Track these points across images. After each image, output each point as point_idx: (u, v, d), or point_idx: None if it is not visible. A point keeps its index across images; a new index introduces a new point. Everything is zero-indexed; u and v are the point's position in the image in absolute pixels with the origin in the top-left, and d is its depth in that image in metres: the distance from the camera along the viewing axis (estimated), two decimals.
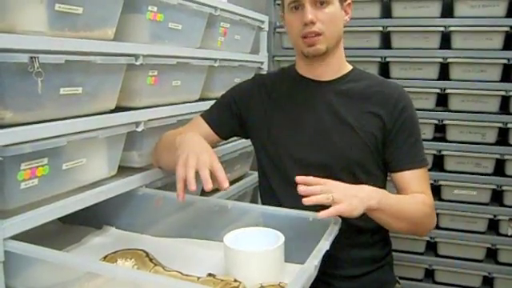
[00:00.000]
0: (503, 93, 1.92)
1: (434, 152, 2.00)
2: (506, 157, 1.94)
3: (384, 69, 2.07)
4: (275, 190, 1.29)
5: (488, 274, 2.02)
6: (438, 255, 2.09)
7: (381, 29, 2.05)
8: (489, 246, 2.00)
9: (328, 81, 1.28)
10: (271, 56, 2.19)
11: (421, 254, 2.11)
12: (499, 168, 1.97)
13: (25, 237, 0.93)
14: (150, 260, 1.01)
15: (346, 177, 1.17)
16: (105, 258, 1.03)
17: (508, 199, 1.96)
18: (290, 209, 1.13)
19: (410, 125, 1.23)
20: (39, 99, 0.94)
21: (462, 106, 1.99)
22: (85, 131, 1.05)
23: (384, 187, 1.27)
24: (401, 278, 1.42)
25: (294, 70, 1.34)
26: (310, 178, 1.03)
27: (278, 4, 2.12)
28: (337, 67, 1.28)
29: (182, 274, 0.96)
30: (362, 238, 1.26)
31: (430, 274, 2.13)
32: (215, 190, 1.53)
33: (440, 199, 2.03)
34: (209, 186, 0.96)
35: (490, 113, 1.95)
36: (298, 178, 1.03)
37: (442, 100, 2.03)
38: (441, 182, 2.01)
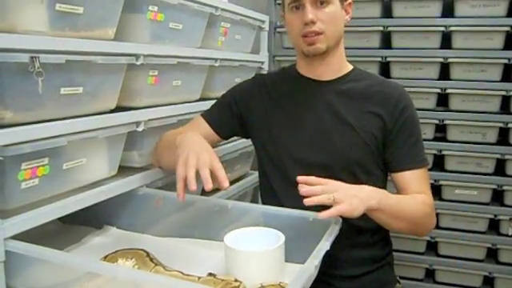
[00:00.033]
0: (504, 93, 1.92)
1: (435, 152, 2.00)
2: (507, 157, 1.94)
3: (384, 69, 2.07)
4: (275, 189, 1.29)
5: (488, 274, 2.02)
6: (438, 255, 2.09)
7: (381, 28, 2.05)
8: (489, 245, 2.00)
9: (328, 80, 1.28)
10: (272, 56, 2.19)
11: (421, 253, 2.11)
12: (500, 168, 1.97)
13: (25, 237, 0.93)
14: (151, 260, 1.01)
15: (346, 177, 1.17)
16: (105, 257, 1.03)
17: (508, 199, 1.96)
18: (290, 209, 1.13)
19: (410, 125, 1.23)
20: (40, 99, 0.94)
21: (463, 106, 1.99)
22: (85, 131, 1.05)
23: (384, 187, 1.27)
24: (401, 277, 1.42)
25: (294, 69, 1.34)
26: (312, 178, 1.03)
27: (279, 4, 2.12)
28: (337, 67, 1.28)
29: (182, 273, 0.96)
30: (363, 237, 1.26)
31: (430, 274, 2.13)
32: (215, 190, 1.53)
33: (441, 199, 2.03)
34: (209, 185, 0.96)
35: (491, 113, 1.95)
36: (300, 178, 1.03)
37: (443, 100, 2.03)
38: (441, 182, 2.02)
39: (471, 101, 1.98)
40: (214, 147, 1.16)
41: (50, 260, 0.89)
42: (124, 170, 1.26)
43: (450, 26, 1.96)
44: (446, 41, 1.99)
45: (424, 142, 1.27)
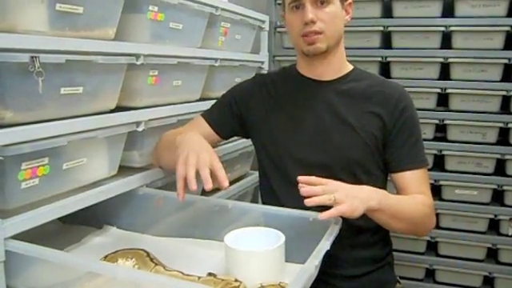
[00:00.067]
0: (504, 93, 1.92)
1: (435, 152, 2.00)
2: (507, 157, 1.94)
3: (385, 69, 2.07)
4: (276, 189, 1.29)
5: (489, 274, 2.02)
6: (438, 255, 2.09)
7: (381, 28, 2.05)
8: (489, 245, 2.00)
9: (329, 80, 1.28)
10: (272, 56, 2.19)
11: (421, 253, 2.11)
12: (500, 168, 1.97)
13: (25, 236, 0.93)
14: (151, 260, 1.01)
15: (346, 177, 1.17)
16: (105, 257, 1.03)
17: (509, 199, 1.96)
18: (290, 208, 1.13)
19: (410, 125, 1.23)
20: (40, 99, 0.94)
21: (463, 106, 1.99)
22: (85, 131, 1.05)
23: (384, 187, 1.27)
24: (401, 277, 1.42)
25: (294, 69, 1.34)
26: (312, 178, 1.03)
27: (279, 4, 2.12)
28: (337, 67, 1.28)
29: (182, 273, 0.96)
30: (363, 237, 1.26)
31: (430, 274, 2.13)
32: (216, 190, 1.53)
33: (441, 199, 2.03)
34: (209, 185, 0.96)
35: (491, 113, 1.95)
36: (300, 178, 1.03)
37: (443, 100, 2.03)
38: (441, 182, 2.02)
39: (471, 101, 1.98)
40: (214, 147, 1.16)
41: (50, 260, 0.89)
42: (124, 169, 1.26)
43: (450, 25, 1.96)
44: (446, 41, 1.99)
45: (424, 142, 1.27)
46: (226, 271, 0.97)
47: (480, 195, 1.99)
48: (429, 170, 1.28)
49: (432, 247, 2.10)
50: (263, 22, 1.99)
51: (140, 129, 1.22)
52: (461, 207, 2.01)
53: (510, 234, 1.97)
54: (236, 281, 0.91)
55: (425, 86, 2.01)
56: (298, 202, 1.03)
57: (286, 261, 1.00)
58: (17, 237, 0.92)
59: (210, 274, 0.94)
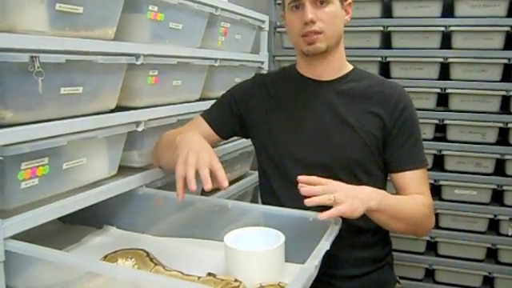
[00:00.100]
0: (504, 93, 1.92)
1: (435, 152, 2.00)
2: (507, 157, 1.94)
3: (384, 69, 2.07)
4: (275, 189, 1.29)
5: (488, 274, 2.02)
6: (438, 255, 2.09)
7: (381, 28, 2.05)
8: (489, 245, 2.00)
9: (329, 80, 1.28)
10: (272, 56, 2.19)
11: (421, 253, 2.11)
12: (499, 168, 1.97)
13: (25, 236, 0.93)
14: (151, 260, 1.01)
15: (346, 177, 1.17)
16: (105, 257, 1.03)
17: (508, 199, 1.96)
18: (290, 208, 1.13)
19: (410, 125, 1.23)
20: (40, 99, 0.94)
21: (463, 106, 1.99)
22: (85, 131, 1.05)
23: (384, 187, 1.27)
24: (401, 277, 1.42)
25: (294, 69, 1.34)
26: (312, 178, 1.03)
27: (279, 4, 2.12)
28: (337, 67, 1.28)
29: (182, 273, 0.96)
30: (363, 238, 1.26)
31: (430, 274, 2.13)
32: (215, 190, 1.53)
33: (440, 199, 2.03)
34: (208, 185, 0.96)
35: (491, 113, 1.95)
36: (300, 178, 1.03)
37: (443, 100, 2.03)
38: (441, 182, 2.02)
39: (471, 101, 1.98)
40: (213, 147, 1.16)
41: (50, 260, 0.89)
42: (124, 169, 1.26)
43: (449, 26, 1.96)
44: (446, 41, 1.99)
45: (424, 142, 1.28)
46: (226, 271, 0.97)
47: (480, 195, 1.99)
48: (428, 169, 1.28)
49: (432, 247, 2.10)
50: (263, 21, 1.99)
51: (140, 129, 1.22)
52: (460, 207, 2.01)
53: (509, 234, 1.97)
54: (236, 281, 0.91)
55: (424, 85, 2.01)
56: (297, 202, 1.03)
57: (286, 261, 1.01)
58: (17, 237, 0.92)
59: (209, 274, 0.94)
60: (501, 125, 1.93)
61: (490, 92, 1.94)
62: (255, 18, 1.89)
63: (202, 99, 1.54)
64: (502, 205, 1.98)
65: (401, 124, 1.22)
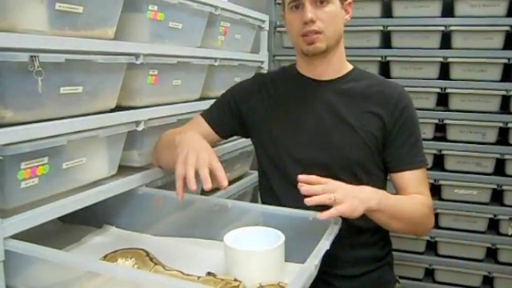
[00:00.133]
0: (503, 92, 1.92)
1: (435, 152, 2.00)
2: (507, 156, 1.94)
3: (384, 68, 2.07)
4: (275, 189, 1.29)
5: (488, 274, 2.02)
6: (438, 255, 2.09)
7: (381, 28, 2.05)
8: (489, 245, 2.00)
9: (328, 80, 1.28)
10: (271, 55, 2.19)
11: (421, 253, 2.11)
12: (499, 168, 1.97)
13: (25, 236, 0.93)
14: (151, 259, 1.01)
15: (346, 177, 1.17)
16: (105, 257, 1.03)
17: (508, 199, 1.96)
18: (290, 208, 1.13)
19: (410, 125, 1.23)
20: (39, 98, 0.94)
21: (463, 106, 1.99)
22: (85, 130, 1.05)
23: (384, 187, 1.27)
24: (401, 277, 1.42)
25: (294, 69, 1.34)
26: (312, 177, 1.03)
27: (279, 3, 2.12)
28: (337, 66, 1.28)
29: (182, 273, 0.96)
30: (362, 237, 1.26)
31: (430, 274, 2.13)
32: (215, 190, 1.53)
33: (440, 199, 2.03)
34: (208, 185, 0.96)
35: (491, 112, 1.95)
36: (300, 177, 1.03)
37: (443, 99, 2.03)
38: (441, 182, 2.02)
39: (471, 100, 1.98)
40: (213, 147, 1.16)
41: (50, 259, 0.89)
42: (124, 169, 1.26)
43: (449, 25, 1.96)
44: (446, 40, 1.99)
45: (424, 142, 1.28)
46: (226, 271, 0.97)
47: (479, 195, 1.99)
48: (428, 169, 1.28)
49: (431, 247, 2.10)
50: (263, 21, 1.99)
51: (140, 128, 1.22)
52: (460, 207, 2.01)
53: (509, 233, 1.97)
54: (235, 280, 0.91)
55: (424, 85, 2.01)
56: (297, 201, 1.03)
57: (286, 260, 1.01)
58: (16, 236, 0.92)
59: (209, 274, 0.94)
60: (501, 124, 1.93)
61: (490, 92, 1.94)
62: (255, 18, 1.89)
63: (201, 99, 1.54)
64: (502, 205, 1.98)
65: (401, 124, 1.22)
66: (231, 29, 1.69)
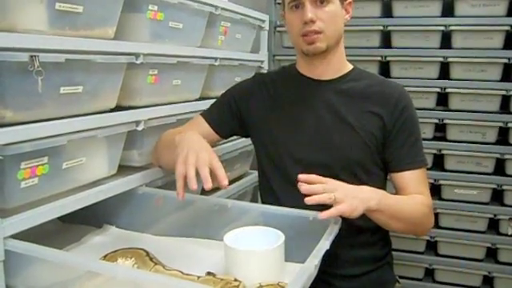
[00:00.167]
0: (504, 92, 1.92)
1: (435, 151, 2.00)
2: (507, 156, 1.94)
3: (384, 68, 2.07)
4: (275, 189, 1.29)
5: (488, 274, 2.02)
6: (438, 254, 2.09)
7: (381, 28, 2.05)
8: (489, 245, 2.00)
9: (328, 80, 1.28)
10: (272, 55, 2.19)
11: (421, 253, 2.11)
12: (499, 167, 1.97)
13: (25, 236, 0.93)
14: (151, 259, 1.01)
15: (346, 176, 1.17)
16: (105, 257, 1.03)
17: (508, 199, 1.96)
18: (290, 208, 1.13)
19: (410, 124, 1.23)
20: (39, 98, 0.94)
21: (463, 106, 1.99)
22: (85, 130, 1.05)
23: (384, 187, 1.27)
24: (401, 277, 1.42)
25: (294, 69, 1.34)
26: (312, 176, 1.03)
27: (279, 3, 2.12)
28: (337, 66, 1.28)
29: (182, 273, 0.96)
30: (362, 237, 1.26)
31: (430, 274, 2.13)
32: (215, 189, 1.53)
33: (440, 199, 2.03)
34: (208, 184, 0.96)
35: (491, 112, 1.95)
36: (300, 176, 1.03)
37: (443, 99, 2.03)
38: (441, 182, 2.01)
39: (471, 100, 1.98)
40: (213, 146, 1.16)
41: (50, 259, 0.89)
42: (124, 169, 1.26)
43: (449, 25, 1.96)
44: (446, 40, 1.99)
45: (424, 142, 1.28)
46: (226, 271, 0.97)
47: (479, 195, 1.99)
48: (428, 169, 1.28)
49: (431, 247, 2.10)
50: (263, 21, 1.99)
51: (140, 128, 1.22)
52: (460, 207, 2.01)
53: (509, 233, 1.97)
54: (235, 280, 0.91)
55: (424, 85, 2.01)
56: (297, 201, 1.03)
57: (286, 260, 1.00)
58: (16, 236, 0.92)
59: (209, 274, 0.94)
60: (501, 124, 1.93)
61: (490, 91, 1.94)
62: (255, 18, 1.89)
63: (201, 98, 1.54)
64: (502, 204, 1.98)
65: (401, 124, 1.22)
66: (231, 28, 1.69)
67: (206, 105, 1.42)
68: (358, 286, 1.26)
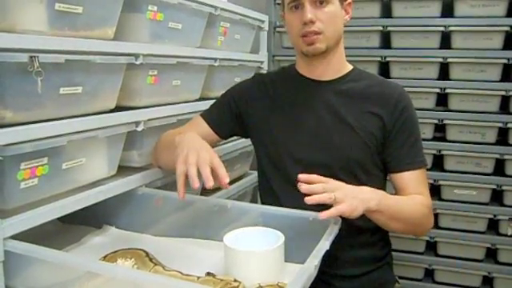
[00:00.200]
0: (503, 92, 1.92)
1: (434, 152, 2.00)
2: (506, 157, 1.94)
3: (384, 68, 2.07)
4: (275, 189, 1.29)
5: (488, 274, 2.02)
6: (437, 255, 2.09)
7: (381, 28, 2.05)
8: (489, 245, 2.00)
9: (328, 80, 1.28)
10: (271, 55, 2.19)
11: (421, 253, 2.11)
12: (499, 168, 1.97)
13: (25, 236, 0.93)
14: (150, 260, 1.01)
15: (346, 177, 1.17)
16: (105, 257, 1.03)
17: (508, 199, 1.96)
18: (289, 208, 1.13)
19: (409, 125, 1.23)
20: (39, 99, 0.94)
21: (462, 106, 1.99)
22: (85, 131, 1.05)
23: (384, 187, 1.27)
24: (401, 277, 1.42)
25: (294, 69, 1.34)
26: (313, 176, 1.03)
27: (278, 3, 2.12)
28: (337, 67, 1.28)
29: (181, 273, 0.96)
30: (362, 237, 1.26)
31: (429, 274, 2.13)
32: (215, 190, 1.53)
33: (440, 199, 2.03)
34: (210, 183, 0.95)
35: (490, 112, 1.95)
36: (301, 176, 1.02)
37: (442, 100, 2.03)
38: (441, 182, 2.01)
39: (470, 101, 1.98)
40: (213, 147, 1.15)
41: (50, 260, 0.89)
42: (123, 169, 1.26)
43: (449, 25, 1.96)
44: (446, 41, 1.99)
45: (423, 142, 1.28)
46: (225, 271, 0.97)
47: (479, 195, 1.99)
48: (428, 169, 1.28)
49: (431, 247, 2.10)
50: (262, 21, 1.99)
51: (139, 128, 1.22)
52: (460, 207, 2.01)
53: (509, 233, 1.97)
54: (235, 281, 0.91)
55: (424, 85, 2.01)
56: (297, 201, 1.03)
57: (286, 260, 1.01)
58: (16, 237, 0.92)
59: (208, 274, 0.94)
60: (500, 125, 1.93)
61: (490, 92, 1.94)
62: (255, 18, 1.89)
63: (201, 99, 1.54)
64: (502, 205, 1.98)
65: (400, 124, 1.22)
66: (231, 29, 1.69)
67: (205, 105, 1.42)
68: (358, 287, 1.26)
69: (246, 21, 1.81)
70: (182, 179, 1.00)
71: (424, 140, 1.30)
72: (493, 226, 2.02)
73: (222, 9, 1.57)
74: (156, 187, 1.35)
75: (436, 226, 2.01)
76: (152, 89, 1.30)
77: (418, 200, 1.19)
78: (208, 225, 1.19)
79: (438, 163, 2.04)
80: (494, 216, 1.97)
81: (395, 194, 1.24)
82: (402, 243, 2.03)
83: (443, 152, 2.00)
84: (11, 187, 0.91)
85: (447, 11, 1.98)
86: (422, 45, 2.01)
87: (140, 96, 1.27)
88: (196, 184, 0.96)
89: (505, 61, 1.90)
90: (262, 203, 1.34)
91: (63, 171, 1.03)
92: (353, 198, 1.01)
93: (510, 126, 1.92)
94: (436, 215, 1.98)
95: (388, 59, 2.05)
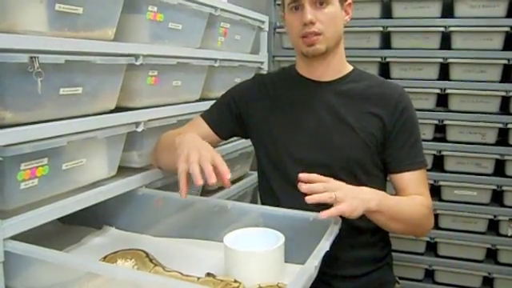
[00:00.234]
0: (503, 93, 1.92)
1: (434, 152, 2.01)
2: (506, 157, 1.94)
3: (384, 69, 2.07)
4: (275, 190, 1.29)
5: (488, 275, 2.02)
6: (438, 255, 2.09)
7: (381, 29, 2.05)
8: (489, 246, 2.00)
9: (328, 81, 1.28)
10: (271, 56, 2.19)
11: (421, 254, 2.11)
12: (499, 168, 1.97)
13: (25, 237, 0.93)
14: (150, 260, 1.01)
15: (346, 177, 1.17)
16: (105, 258, 1.03)
17: (508, 199, 1.96)
18: (289, 209, 1.13)
19: (410, 125, 1.23)
20: (39, 99, 0.94)
21: (462, 107, 1.99)
22: (85, 131, 1.05)
23: (384, 188, 1.27)
24: (401, 278, 1.42)
25: (294, 70, 1.34)
26: (313, 176, 1.03)
27: (279, 4, 2.12)
28: (337, 67, 1.28)
29: (181, 274, 0.96)
30: (362, 238, 1.26)
31: (429, 275, 2.13)
32: (215, 190, 1.53)
33: (440, 199, 2.03)
34: (213, 180, 0.95)
35: (490, 113, 1.96)
36: (301, 176, 1.02)
37: (442, 100, 2.03)
38: (441, 183, 2.02)
39: (471, 101, 1.98)
40: (213, 148, 1.15)
41: (50, 260, 0.89)
42: (123, 170, 1.26)
43: (449, 26, 1.96)
44: (446, 41, 1.99)
45: (423, 143, 1.28)
46: (226, 272, 0.97)
47: (479, 196, 1.99)
48: (428, 170, 1.28)
49: (431, 248, 2.10)
50: (263, 22, 1.99)
51: (139, 129, 1.22)
52: (460, 208, 2.01)
53: (509, 234, 1.97)
54: (235, 281, 0.91)
55: (424, 86, 2.02)
56: (297, 202, 1.03)
57: (286, 261, 1.01)
58: (16, 237, 0.92)
59: (208, 275, 0.94)
60: (500, 125, 1.93)
61: (490, 92, 1.94)
62: (255, 19, 1.89)
63: (201, 99, 1.54)
64: (502, 205, 1.98)
65: (401, 125, 1.22)
66: (231, 30, 1.69)
67: (205, 106, 1.42)
68: (358, 287, 1.26)
69: (246, 21, 1.81)
70: (184, 175, 0.99)
71: (424, 140, 1.30)
72: (493, 226, 2.02)
73: (222, 9, 1.57)
74: (156, 188, 1.35)
75: (436, 226, 2.01)
76: (152, 89, 1.30)
77: (418, 200, 1.19)
78: (208, 225, 1.19)
79: (438, 164, 2.04)
80: (494, 216, 1.97)
81: (395, 194, 1.24)
82: (402, 244, 2.03)
83: (443, 152, 2.01)
84: (11, 188, 0.91)
85: (447, 12, 1.98)
86: (422, 45, 2.01)
87: (140, 97, 1.27)
88: (199, 181, 0.96)
89: (505, 61, 1.90)
90: (262, 204, 1.34)
91: (63, 172, 1.03)
92: (353, 198, 1.01)
93: (510, 126, 1.92)
94: (436, 216, 1.98)
95: (388, 60, 2.05)
